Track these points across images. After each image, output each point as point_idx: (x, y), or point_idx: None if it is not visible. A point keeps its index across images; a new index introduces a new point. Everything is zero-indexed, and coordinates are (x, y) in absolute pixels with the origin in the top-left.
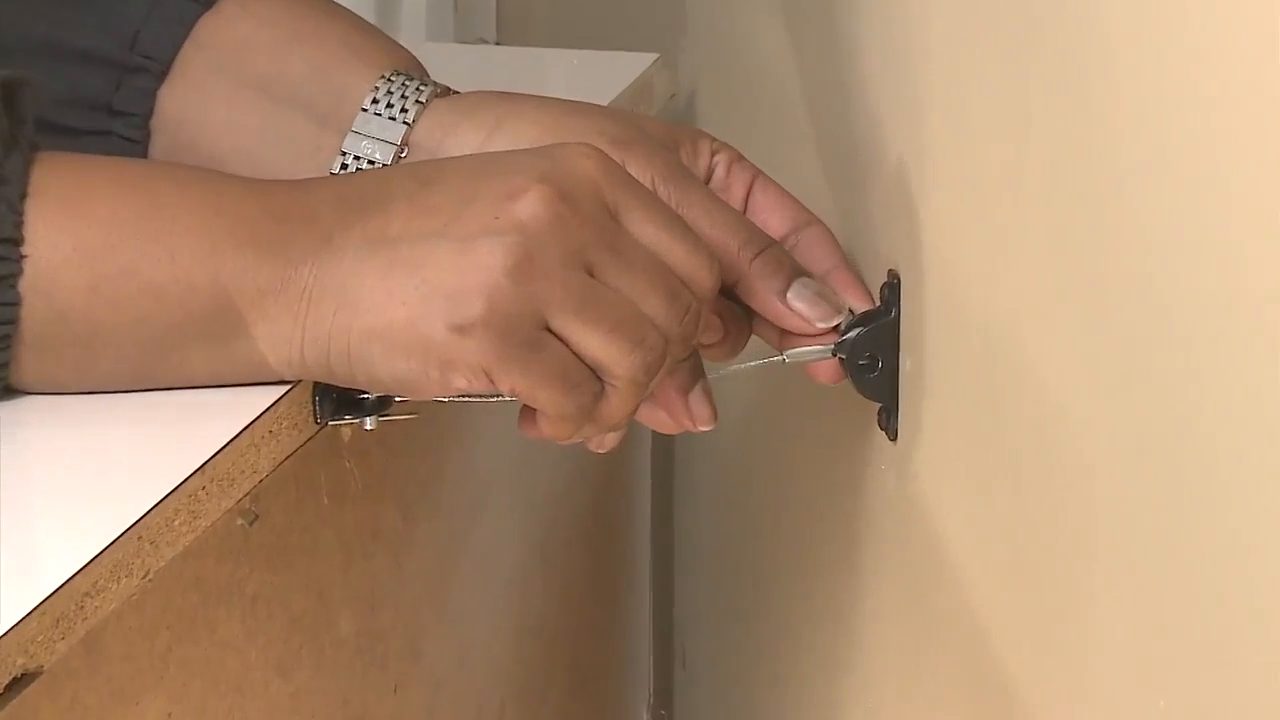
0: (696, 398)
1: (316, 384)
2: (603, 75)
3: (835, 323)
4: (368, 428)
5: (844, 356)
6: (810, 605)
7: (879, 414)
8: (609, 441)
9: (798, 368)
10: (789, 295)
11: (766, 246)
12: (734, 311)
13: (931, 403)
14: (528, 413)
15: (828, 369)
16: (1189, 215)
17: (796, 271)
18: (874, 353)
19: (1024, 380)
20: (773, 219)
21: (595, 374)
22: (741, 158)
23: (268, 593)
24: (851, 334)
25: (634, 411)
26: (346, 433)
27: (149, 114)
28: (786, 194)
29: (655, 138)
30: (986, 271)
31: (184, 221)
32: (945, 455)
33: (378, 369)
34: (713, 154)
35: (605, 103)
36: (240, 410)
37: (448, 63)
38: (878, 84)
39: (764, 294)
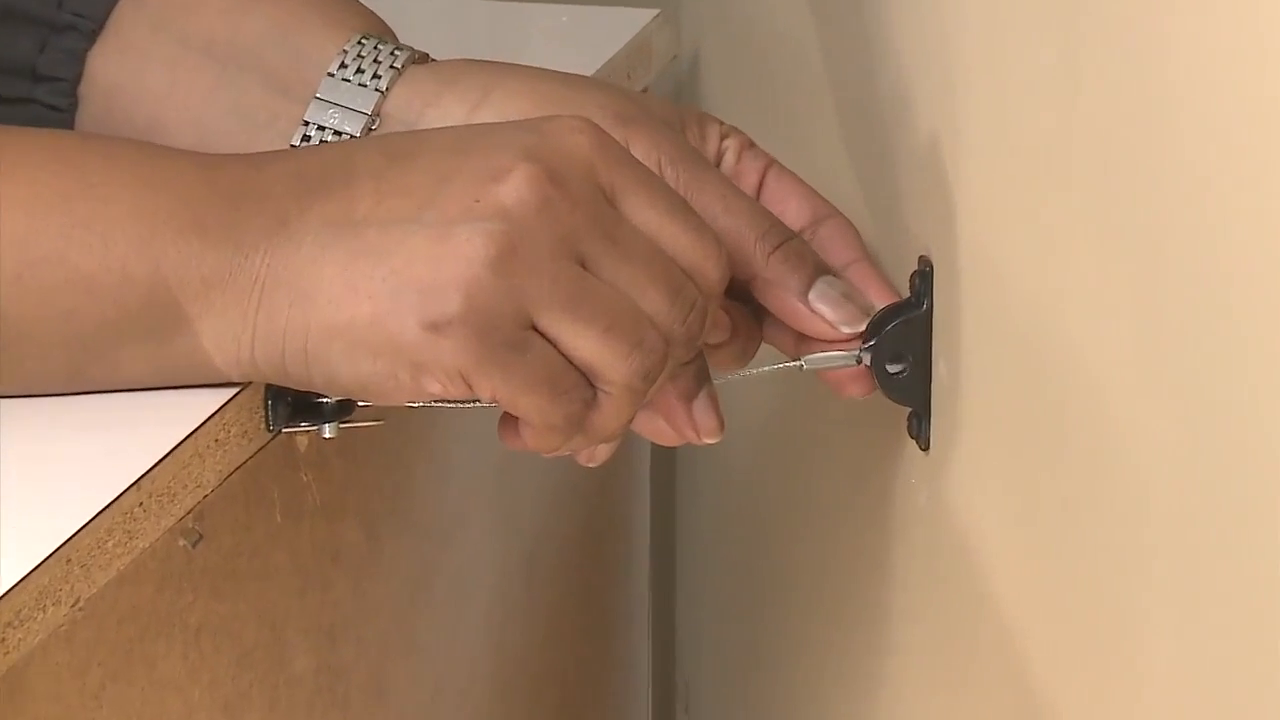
0: (701, 405)
1: (269, 387)
2: (595, 33)
3: (862, 328)
4: (327, 436)
5: (869, 360)
6: (830, 639)
7: (909, 420)
8: (600, 454)
9: (816, 373)
10: (811, 295)
11: (787, 239)
12: (743, 312)
13: (968, 407)
14: (509, 421)
15: (855, 381)
16: (1260, 194)
17: (820, 269)
18: (903, 350)
19: (1073, 382)
20: (788, 211)
21: (586, 379)
22: (753, 144)
23: (214, 624)
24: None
25: (630, 421)
26: (303, 442)
27: (77, 79)
28: (803, 183)
29: (661, 117)
30: (1030, 258)
31: (118, 203)
32: (984, 467)
33: (339, 371)
34: (722, 138)
35: (599, 64)
36: (182, 416)
37: (418, 19)
38: (906, 44)
39: (783, 293)
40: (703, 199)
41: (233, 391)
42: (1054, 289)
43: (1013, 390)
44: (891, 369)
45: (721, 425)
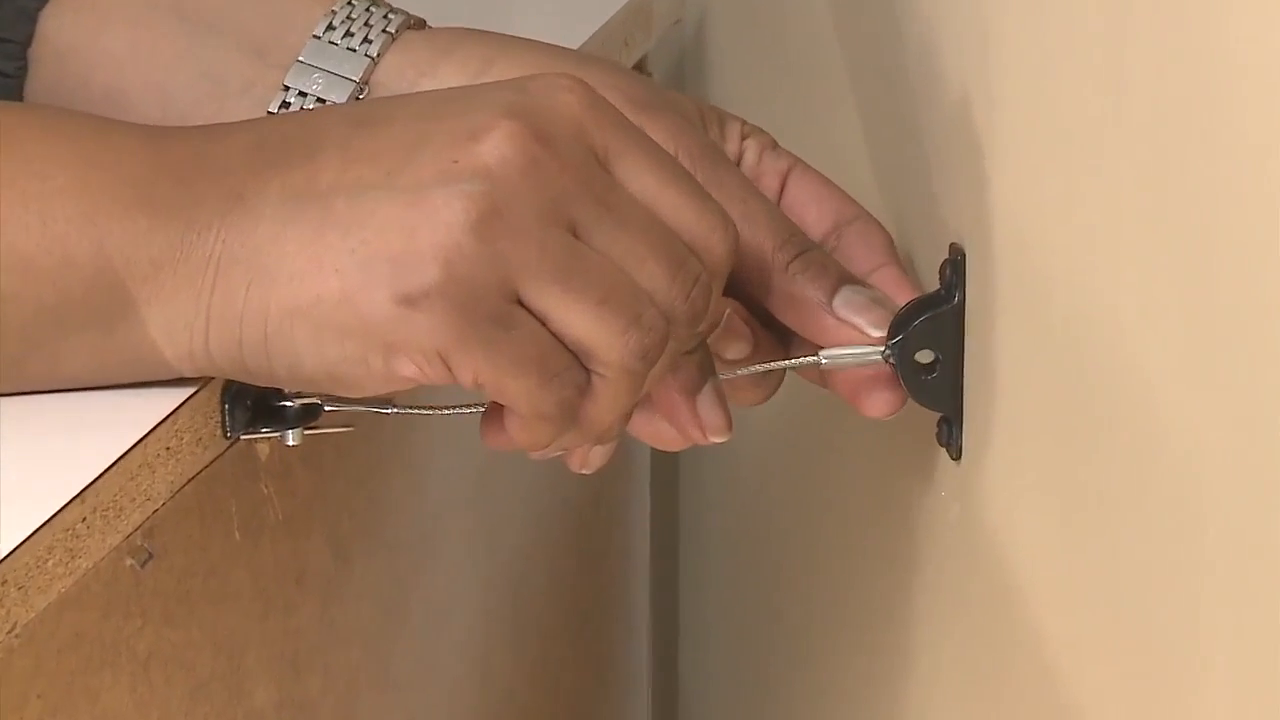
0: (706, 401)
1: (227, 386)
2: None
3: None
4: (291, 443)
5: (895, 359)
6: (854, 671)
7: (939, 426)
8: (595, 458)
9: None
10: (836, 303)
11: (808, 249)
12: (768, 335)
13: (1004, 411)
14: (493, 417)
15: (880, 397)
16: None
17: (843, 279)
18: (932, 348)
19: (1118, 383)
20: (809, 214)
21: (579, 361)
22: (776, 145)
23: (165, 652)
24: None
25: (627, 413)
26: (264, 450)
27: (28, 40)
28: (827, 184)
29: (679, 109)
30: (1072, 246)
31: (56, 179)
32: (1021, 478)
33: (304, 358)
34: (743, 138)
35: (594, 28)
36: (131, 420)
37: None
38: (936, 8)
39: (804, 304)
40: (720, 199)
41: (187, 393)
42: (1098, 280)
43: (1053, 392)
44: (920, 369)
45: (729, 423)
